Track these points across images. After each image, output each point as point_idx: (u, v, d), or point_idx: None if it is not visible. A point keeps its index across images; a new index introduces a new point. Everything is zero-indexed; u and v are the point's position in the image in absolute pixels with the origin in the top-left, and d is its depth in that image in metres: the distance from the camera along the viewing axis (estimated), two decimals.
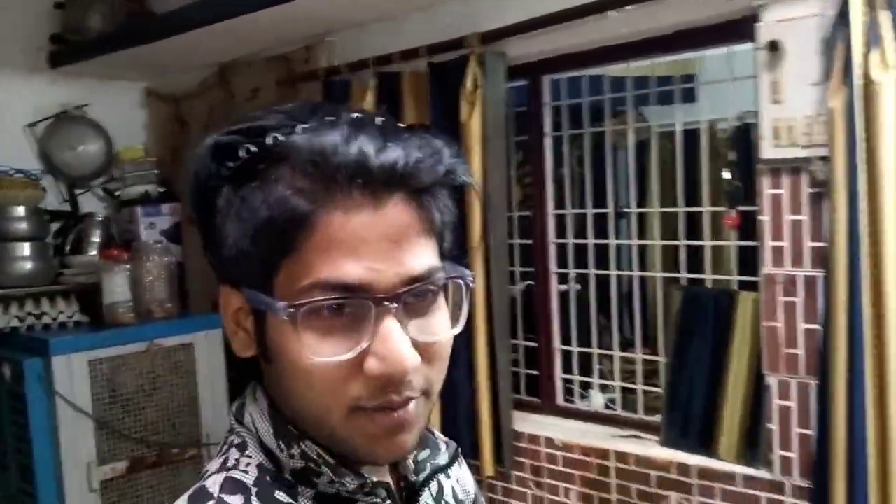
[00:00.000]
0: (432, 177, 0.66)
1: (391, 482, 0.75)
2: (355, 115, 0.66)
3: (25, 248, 3.19)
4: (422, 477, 0.78)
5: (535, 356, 2.71)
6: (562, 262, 2.67)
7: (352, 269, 0.63)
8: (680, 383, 2.33)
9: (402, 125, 0.68)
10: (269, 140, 0.64)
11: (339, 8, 2.63)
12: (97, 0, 3.35)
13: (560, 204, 2.68)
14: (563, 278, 2.71)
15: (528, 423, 2.62)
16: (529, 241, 2.72)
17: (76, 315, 3.17)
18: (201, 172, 0.68)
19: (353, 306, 0.64)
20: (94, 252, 3.40)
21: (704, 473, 2.21)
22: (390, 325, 0.64)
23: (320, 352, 0.64)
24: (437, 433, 0.85)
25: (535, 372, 2.71)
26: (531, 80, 2.63)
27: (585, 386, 2.68)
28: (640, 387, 2.49)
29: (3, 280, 3.13)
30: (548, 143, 2.66)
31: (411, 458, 0.78)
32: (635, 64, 2.49)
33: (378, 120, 0.66)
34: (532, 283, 2.76)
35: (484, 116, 2.51)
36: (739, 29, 2.04)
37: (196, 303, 3.42)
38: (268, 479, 0.69)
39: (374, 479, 0.71)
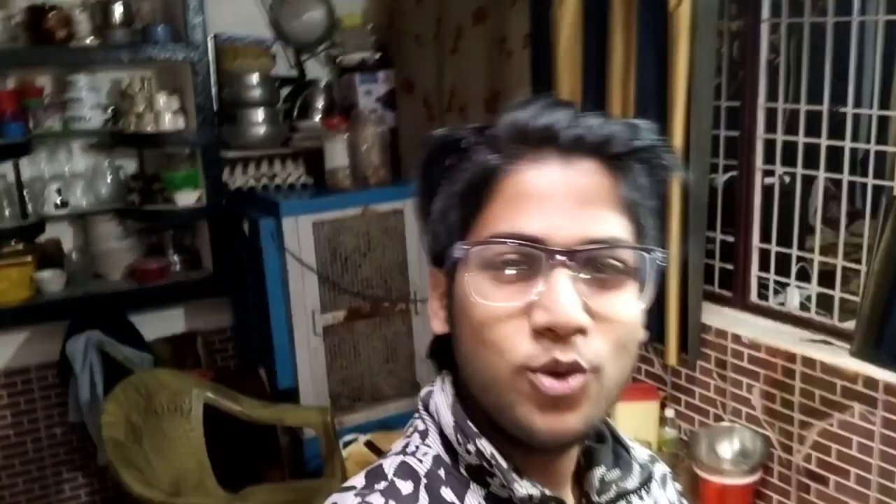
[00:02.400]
0: (626, 147, 0.67)
1: (571, 501, 0.75)
2: (556, 98, 0.70)
3: (259, 114, 3.50)
4: (604, 499, 0.75)
5: (732, 251, 2.70)
6: (769, 159, 2.59)
7: (531, 222, 0.65)
8: (879, 295, 2.26)
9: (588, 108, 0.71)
10: (485, 133, 0.70)
11: None
12: None
13: (772, 97, 2.57)
14: (768, 176, 2.63)
15: (717, 317, 2.66)
16: (736, 134, 2.64)
17: (303, 177, 3.48)
18: (426, 166, 0.74)
19: (527, 257, 0.65)
20: (318, 117, 3.66)
21: (891, 389, 2.18)
22: (560, 278, 0.64)
23: (491, 296, 0.65)
24: (637, 451, 0.81)
25: (730, 266, 2.71)
26: None
27: (782, 284, 2.65)
28: (837, 293, 2.44)
29: (241, 143, 3.48)
30: (764, 29, 2.52)
31: (598, 476, 0.76)
32: None
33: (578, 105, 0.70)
34: (735, 174, 2.70)
35: (693, 2, 2.41)
36: None
37: (408, 169, 3.63)
38: (441, 472, 0.70)
39: (548, 493, 0.69)
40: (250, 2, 3.62)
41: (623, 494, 0.76)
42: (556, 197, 0.66)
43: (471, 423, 0.70)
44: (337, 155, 3.38)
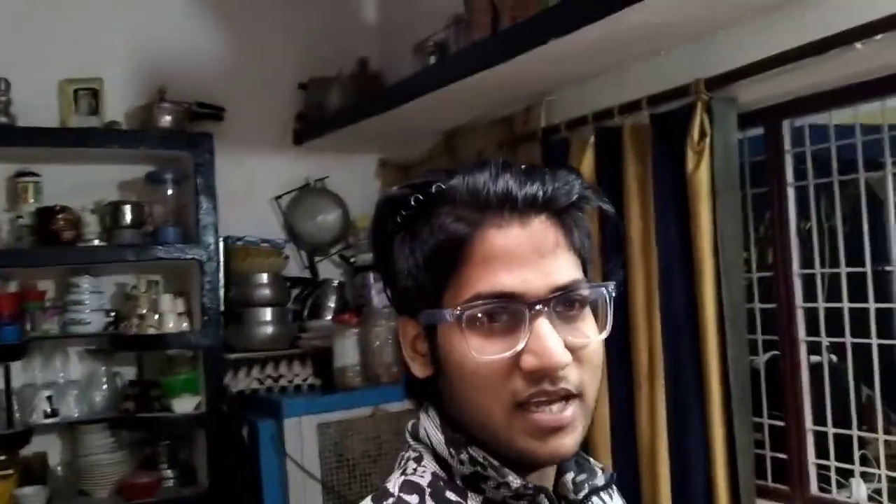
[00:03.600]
0: (567, 200, 0.79)
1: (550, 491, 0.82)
2: (501, 160, 0.80)
3: (268, 314, 3.37)
4: (581, 495, 0.85)
5: (783, 437, 2.38)
6: (812, 330, 2.34)
7: (506, 279, 0.75)
8: None
9: (537, 166, 0.82)
10: (433, 188, 0.79)
11: (558, 63, 2.54)
12: (335, 79, 3.53)
13: (807, 263, 2.37)
14: (813, 348, 2.37)
15: None
16: (773, 306, 2.41)
17: (310, 378, 3.27)
18: (379, 222, 0.82)
19: (510, 311, 0.76)
20: (329, 317, 3.51)
21: None
22: (543, 325, 0.75)
23: (484, 351, 0.75)
24: (592, 459, 0.91)
25: (782, 455, 2.38)
26: (768, 127, 2.37)
27: (844, 473, 2.30)
28: None
29: (247, 343, 3.31)
30: (790, 194, 2.37)
31: (570, 478, 0.86)
32: (890, 104, 2.16)
33: (520, 164, 0.80)
34: (777, 352, 2.44)
35: (713, 168, 2.29)
36: None
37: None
38: (441, 483, 0.79)
39: (535, 484, 0.78)
40: (264, 203, 3.61)
41: (595, 490, 0.86)
42: (522, 254, 0.76)
43: (460, 435, 0.79)
44: (347, 352, 3.19)
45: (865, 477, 2.28)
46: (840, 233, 2.31)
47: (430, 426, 0.82)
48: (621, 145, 2.52)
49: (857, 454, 2.25)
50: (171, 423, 3.16)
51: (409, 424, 0.85)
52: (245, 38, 3.58)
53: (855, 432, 2.24)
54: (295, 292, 3.58)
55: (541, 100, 2.89)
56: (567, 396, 0.76)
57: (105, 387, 3.23)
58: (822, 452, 2.32)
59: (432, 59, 2.94)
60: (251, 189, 3.58)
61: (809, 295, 2.35)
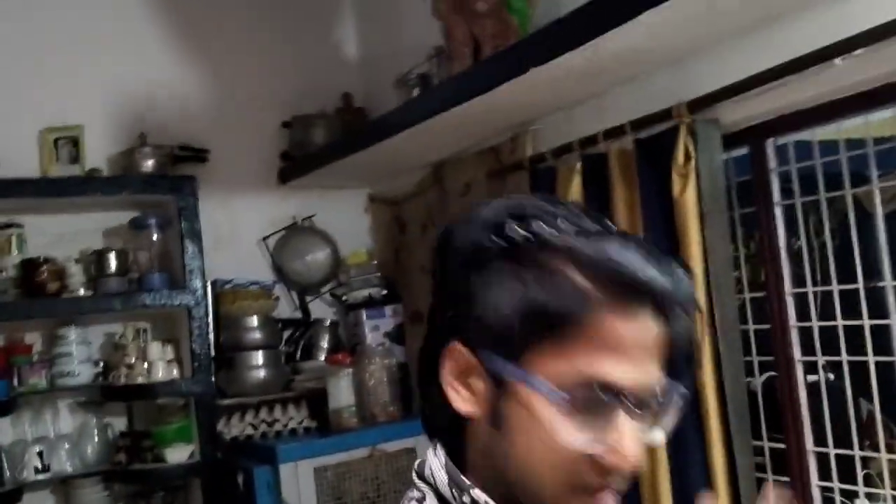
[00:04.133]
0: (690, 303, 0.77)
1: None
2: (620, 231, 0.78)
3: (259, 357, 3.32)
4: None
5: (784, 460, 2.34)
6: (807, 349, 2.31)
7: (626, 374, 0.72)
8: None
9: (665, 251, 0.78)
10: (538, 229, 0.75)
11: (541, 91, 2.53)
12: (318, 115, 3.52)
13: (799, 281, 2.34)
14: (810, 368, 2.33)
15: None
16: (767, 326, 2.38)
17: (305, 421, 3.21)
18: (467, 239, 0.79)
19: (604, 404, 0.73)
20: (322, 357, 3.47)
21: None
22: (635, 428, 0.74)
23: (574, 437, 0.72)
24: None
25: (785, 478, 2.33)
26: (752, 146, 2.35)
27: (849, 495, 2.25)
28: None
29: (239, 389, 3.27)
30: (778, 213, 2.35)
31: None
32: (874, 118, 2.15)
33: (644, 240, 0.78)
34: (774, 373, 2.41)
35: (699, 190, 2.27)
36: None
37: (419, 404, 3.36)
38: None
39: None
40: (252, 245, 3.58)
41: None
42: (639, 349, 0.73)
43: (464, 478, 0.78)
44: (342, 393, 3.13)
45: (871, 497, 2.24)
46: (830, 249, 2.29)
47: (435, 465, 0.80)
48: (608, 171, 2.50)
49: (860, 474, 2.22)
50: (164, 474, 3.10)
51: (416, 463, 0.84)
52: (226, 79, 3.57)
53: (857, 452, 2.21)
54: (287, 334, 3.53)
55: (526, 129, 2.88)
56: (620, 492, 0.77)
57: (97, 439, 3.17)
58: (825, 474, 2.28)
59: (415, 92, 2.93)
60: (238, 231, 3.55)
61: (803, 314, 2.33)
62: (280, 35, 3.67)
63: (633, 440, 0.73)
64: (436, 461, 0.81)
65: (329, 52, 3.79)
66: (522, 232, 0.75)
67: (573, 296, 0.72)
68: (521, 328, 0.73)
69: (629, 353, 0.72)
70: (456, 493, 0.78)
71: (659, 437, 0.76)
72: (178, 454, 3.08)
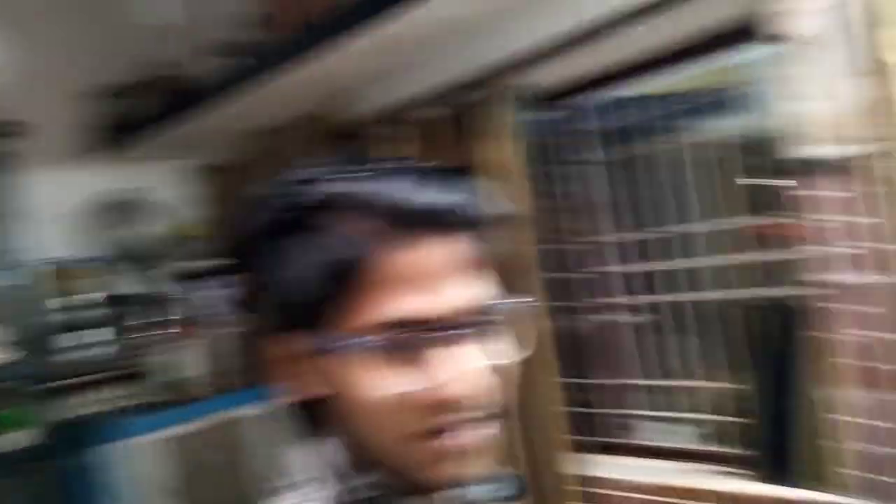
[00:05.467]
0: (487, 217, 0.73)
1: None
2: (419, 164, 0.73)
3: (99, 335, 3.24)
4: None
5: (616, 394, 2.54)
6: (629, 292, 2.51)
7: (424, 304, 0.68)
8: (750, 410, 2.14)
9: (445, 169, 0.73)
10: (319, 190, 0.70)
11: (362, 59, 2.57)
12: (143, 84, 3.42)
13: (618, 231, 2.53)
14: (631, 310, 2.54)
15: (600, 467, 2.45)
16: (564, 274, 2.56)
17: (150, 395, 3.18)
18: (249, 227, 0.73)
19: (432, 338, 0.68)
20: (166, 330, 3.43)
21: None
22: (469, 351, 0.69)
23: (395, 382, 0.68)
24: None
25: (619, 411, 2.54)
26: (564, 106, 2.50)
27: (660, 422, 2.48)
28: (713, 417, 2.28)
29: (80, 368, 3.19)
30: (588, 170, 2.52)
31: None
32: (677, 78, 2.32)
33: (426, 165, 0.73)
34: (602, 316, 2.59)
35: (516, 151, 2.39)
36: (764, 27, 1.86)
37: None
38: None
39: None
40: (85, 221, 3.46)
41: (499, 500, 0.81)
42: (441, 276, 0.69)
43: (352, 459, 0.72)
44: (183, 365, 3.14)
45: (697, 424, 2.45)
46: (642, 200, 2.47)
47: (319, 450, 0.75)
48: (433, 137, 2.58)
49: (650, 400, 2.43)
50: (5, 460, 3.01)
51: (290, 450, 0.77)
52: (38, 52, 3.39)
53: (676, 382, 2.42)
54: (127, 309, 3.45)
55: (352, 95, 2.91)
56: (492, 417, 0.70)
57: None
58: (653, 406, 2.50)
59: (235, 60, 2.90)
60: (67, 207, 3.42)
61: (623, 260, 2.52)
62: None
63: (480, 369, 0.69)
64: (317, 448, 0.75)
65: (153, 20, 3.66)
66: (303, 201, 0.70)
67: (352, 241, 0.68)
68: (318, 292, 0.69)
69: (422, 282, 0.68)
70: (341, 484, 0.72)
71: (499, 354, 0.71)
72: (15, 439, 2.99)
